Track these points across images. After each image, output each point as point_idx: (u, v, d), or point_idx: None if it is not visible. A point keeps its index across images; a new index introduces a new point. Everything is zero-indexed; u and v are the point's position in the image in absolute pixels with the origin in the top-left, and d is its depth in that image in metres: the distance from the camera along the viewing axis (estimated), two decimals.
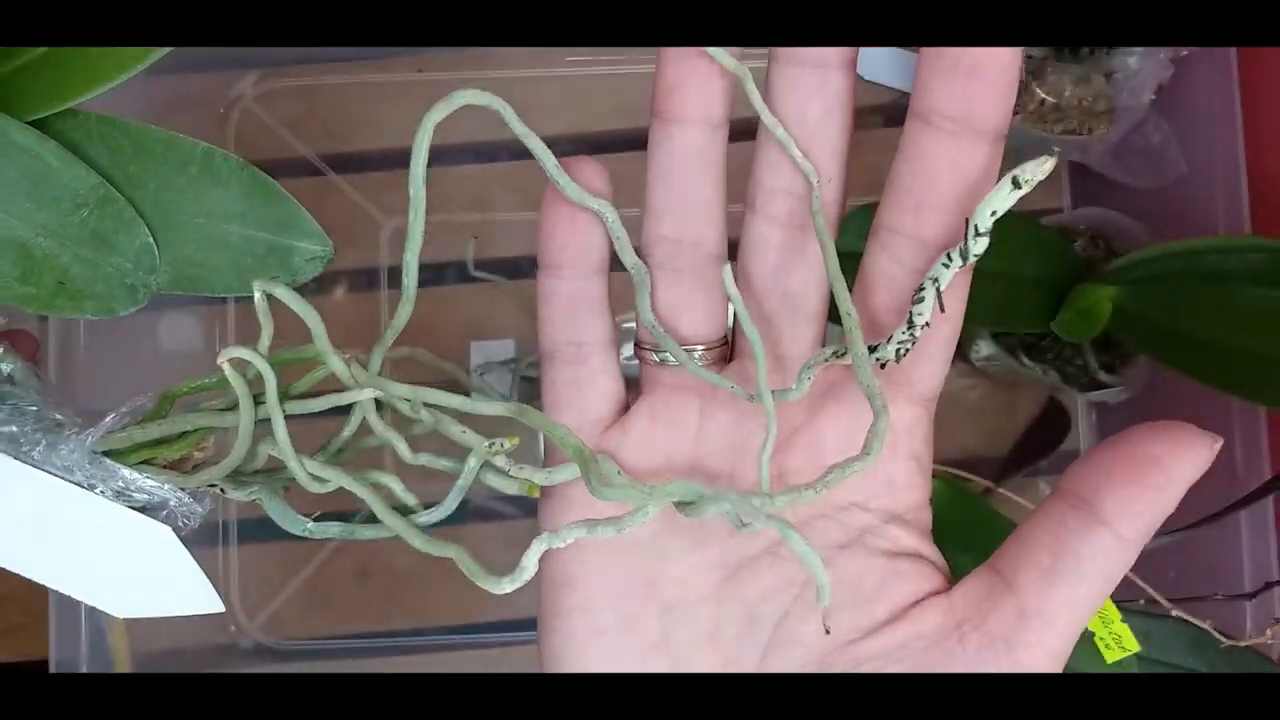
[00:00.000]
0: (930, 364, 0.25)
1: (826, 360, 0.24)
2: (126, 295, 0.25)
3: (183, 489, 0.24)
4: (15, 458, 0.23)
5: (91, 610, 0.46)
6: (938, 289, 0.23)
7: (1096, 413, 0.58)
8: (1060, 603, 0.23)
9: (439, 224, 0.55)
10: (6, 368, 0.25)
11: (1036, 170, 0.21)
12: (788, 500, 0.22)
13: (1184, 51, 0.49)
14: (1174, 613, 0.40)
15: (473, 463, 0.24)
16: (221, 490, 0.25)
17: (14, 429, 0.24)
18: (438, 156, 0.59)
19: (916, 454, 0.26)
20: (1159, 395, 0.52)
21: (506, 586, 0.23)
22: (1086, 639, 0.37)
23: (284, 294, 0.23)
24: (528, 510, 0.54)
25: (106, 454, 0.24)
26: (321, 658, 0.56)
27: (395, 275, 0.56)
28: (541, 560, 0.26)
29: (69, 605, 0.46)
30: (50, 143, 0.23)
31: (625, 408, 0.27)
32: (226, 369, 0.23)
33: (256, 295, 0.23)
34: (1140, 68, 0.49)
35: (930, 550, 0.26)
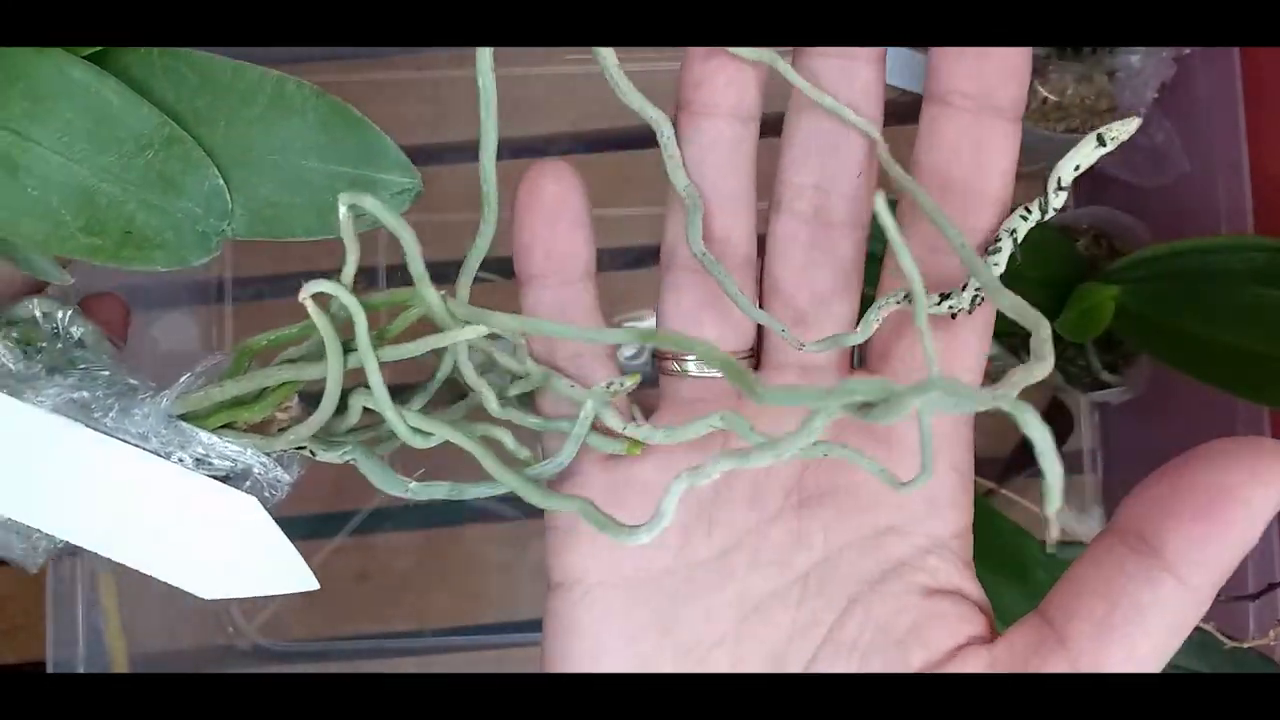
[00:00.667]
0: (968, 356, 0.23)
1: (897, 303, 0.23)
2: (198, 243, 0.23)
3: (267, 454, 0.23)
4: (87, 425, 0.22)
5: (89, 611, 0.46)
6: (1015, 240, 0.22)
7: (1099, 413, 0.57)
8: (1119, 661, 0.20)
9: (438, 223, 0.55)
10: (77, 331, 0.23)
11: (1121, 129, 0.21)
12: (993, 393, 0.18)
13: (1187, 50, 0.49)
14: None
15: (589, 407, 0.22)
16: (311, 453, 0.23)
17: (85, 394, 0.22)
18: (436, 155, 0.59)
19: (958, 465, 0.23)
20: (1162, 395, 0.52)
21: (643, 536, 0.20)
22: None
23: (374, 206, 0.21)
24: (527, 512, 0.54)
25: (183, 418, 0.22)
26: (320, 659, 0.56)
27: (393, 275, 0.56)
28: (547, 602, 0.25)
29: (66, 606, 0.46)
30: (110, 79, 0.22)
31: (630, 419, 0.25)
32: (310, 306, 0.21)
33: (342, 211, 0.21)
34: (1143, 66, 0.48)
35: (972, 586, 0.23)
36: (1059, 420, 0.57)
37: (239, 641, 0.56)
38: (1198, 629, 0.40)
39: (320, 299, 0.21)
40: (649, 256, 0.50)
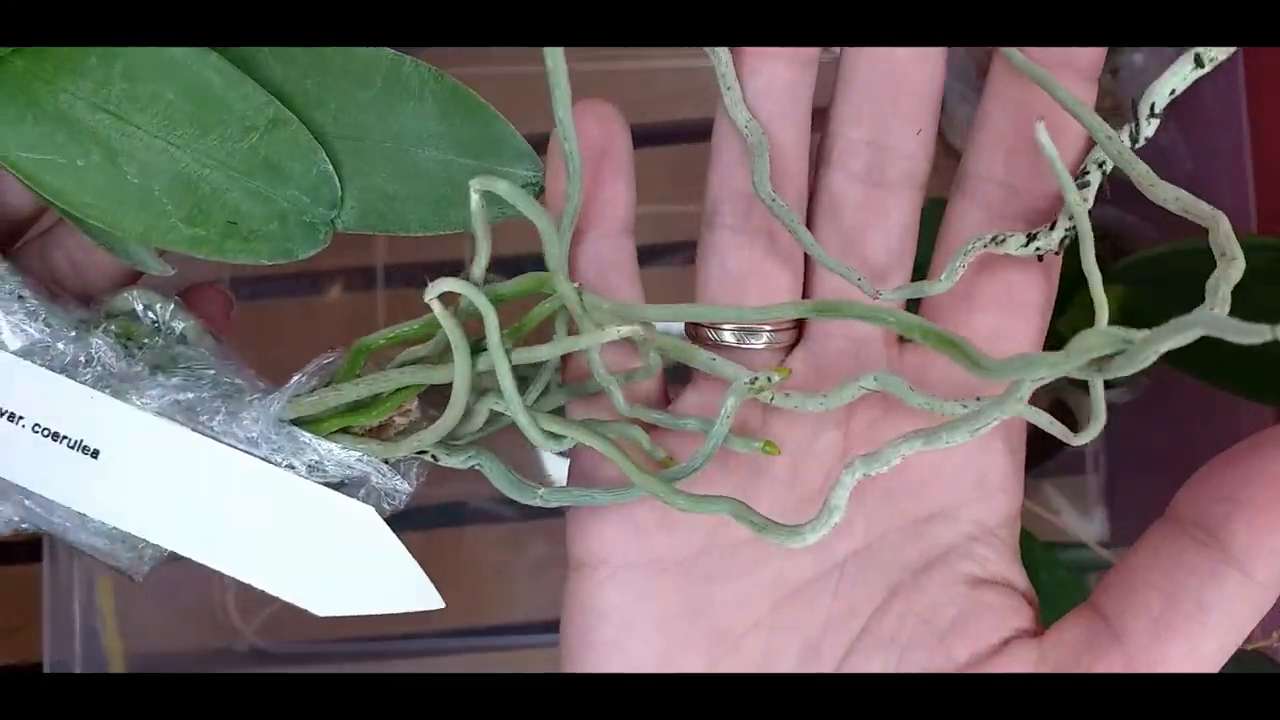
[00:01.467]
0: (1025, 328, 0.22)
1: (985, 246, 0.21)
2: (305, 234, 0.21)
3: (385, 461, 0.22)
4: (193, 429, 0.21)
5: (85, 612, 0.45)
6: (1103, 171, 0.21)
7: None
8: (1178, 660, 0.19)
9: None
10: (179, 325, 0.22)
11: (1220, 51, 0.20)
12: None
13: (1189, 49, 0.48)
14: None
15: (730, 403, 0.20)
16: (434, 458, 0.22)
17: (190, 396, 0.21)
18: None
19: (1011, 447, 0.22)
20: (1165, 396, 0.51)
21: (809, 536, 0.19)
22: None
23: (508, 191, 0.20)
24: (526, 513, 0.53)
25: (295, 422, 0.21)
26: (317, 661, 0.56)
27: (392, 274, 0.56)
28: (568, 583, 0.24)
29: (63, 607, 0.45)
30: (211, 56, 0.21)
31: (666, 399, 0.24)
32: (436, 307, 0.19)
33: (474, 199, 0.20)
34: (1146, 65, 0.48)
35: (1020, 577, 0.22)
36: (1062, 421, 0.56)
37: (236, 643, 0.55)
38: None
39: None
40: (653, 255, 0.50)
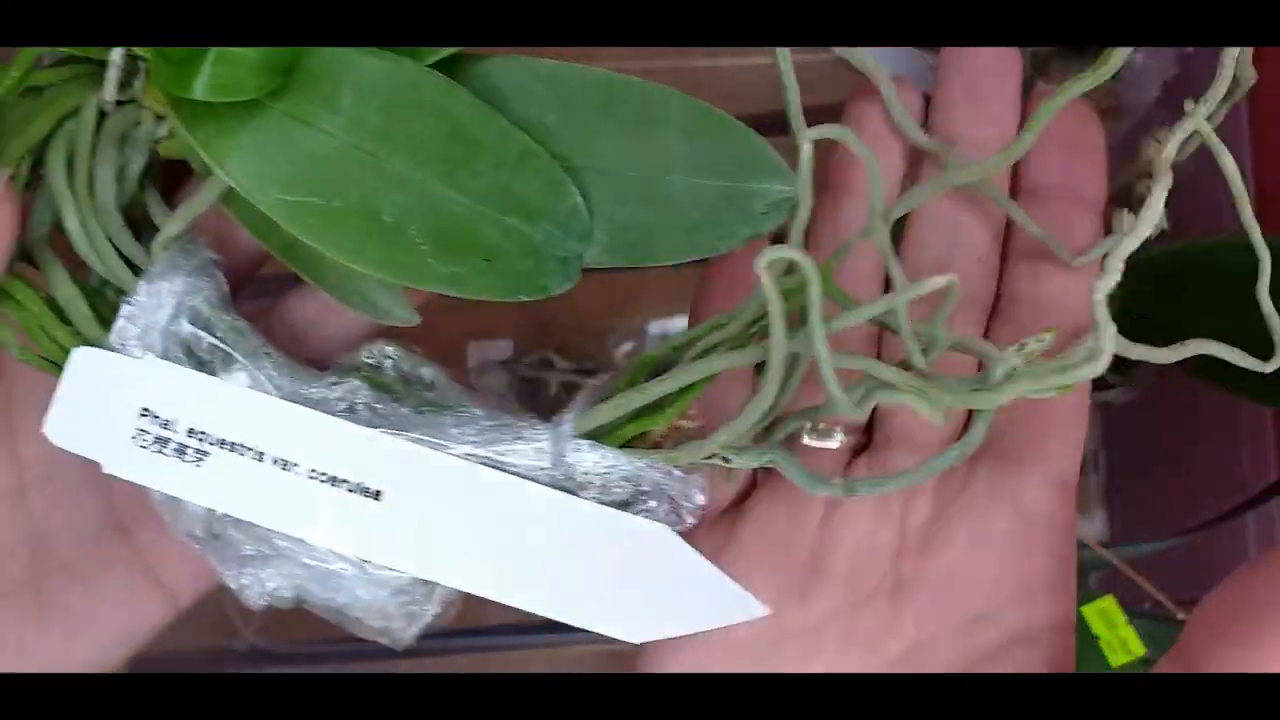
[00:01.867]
0: (1066, 432, 0.23)
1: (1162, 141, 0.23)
2: (558, 269, 0.21)
3: (678, 469, 0.20)
4: (484, 464, 0.20)
5: None
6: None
7: (1103, 414, 0.57)
8: None
9: None
10: (426, 374, 0.22)
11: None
12: None
13: (1189, 50, 0.48)
14: (1180, 616, 0.40)
15: (999, 373, 0.19)
16: (725, 460, 0.21)
17: (468, 430, 0.20)
18: None
19: (1058, 551, 0.23)
20: (1165, 396, 0.51)
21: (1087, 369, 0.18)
22: (1091, 643, 0.37)
23: (842, 135, 0.19)
24: None
25: (584, 438, 0.20)
26: (317, 661, 0.56)
27: None
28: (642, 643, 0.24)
29: None
30: (460, 91, 0.20)
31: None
32: (765, 280, 0.18)
33: (805, 149, 0.18)
34: (1146, 65, 0.48)
35: None
36: None
37: (236, 643, 0.56)
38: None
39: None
40: None
